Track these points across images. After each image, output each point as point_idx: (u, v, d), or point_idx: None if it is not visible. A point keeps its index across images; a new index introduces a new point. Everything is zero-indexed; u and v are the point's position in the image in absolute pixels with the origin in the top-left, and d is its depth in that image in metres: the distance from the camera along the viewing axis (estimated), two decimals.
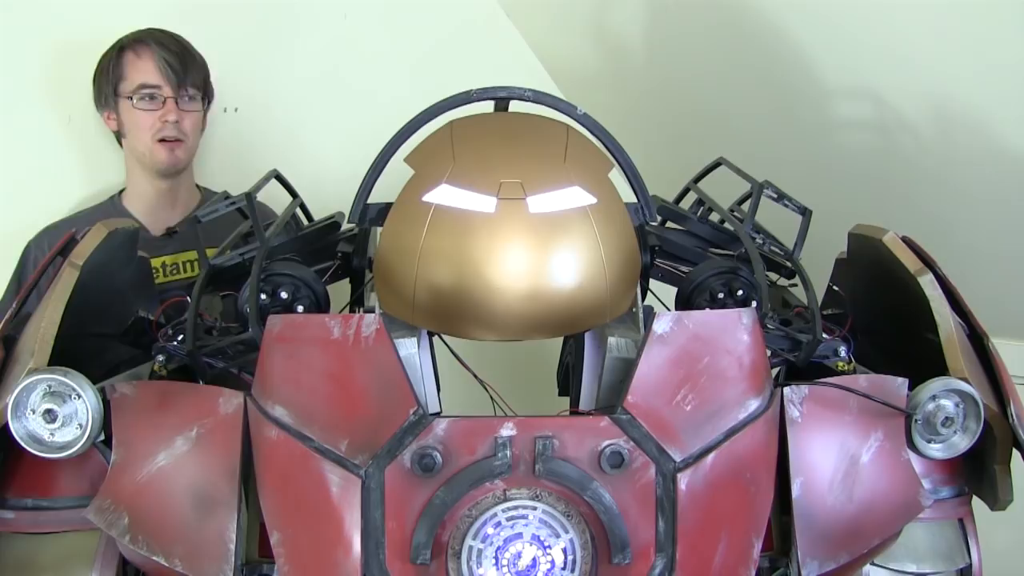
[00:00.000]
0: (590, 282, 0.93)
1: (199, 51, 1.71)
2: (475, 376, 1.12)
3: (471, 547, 0.87)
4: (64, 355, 0.97)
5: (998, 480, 1.05)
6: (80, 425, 0.94)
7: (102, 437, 0.96)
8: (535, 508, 0.88)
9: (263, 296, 1.04)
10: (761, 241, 1.18)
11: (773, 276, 1.24)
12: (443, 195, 0.93)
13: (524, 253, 0.91)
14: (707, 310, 1.06)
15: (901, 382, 1.00)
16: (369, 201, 1.04)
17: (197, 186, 1.81)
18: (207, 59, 1.79)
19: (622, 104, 2.10)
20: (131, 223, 1.22)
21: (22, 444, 0.93)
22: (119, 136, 1.71)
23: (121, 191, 1.74)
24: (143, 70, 1.61)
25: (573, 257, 0.92)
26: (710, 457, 0.90)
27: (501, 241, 0.91)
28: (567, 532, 0.88)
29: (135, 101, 1.61)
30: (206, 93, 1.70)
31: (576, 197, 0.93)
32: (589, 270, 0.93)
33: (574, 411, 1.05)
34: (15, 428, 0.93)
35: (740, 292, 1.08)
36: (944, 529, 1.09)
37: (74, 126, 1.80)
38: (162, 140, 1.63)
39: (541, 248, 0.91)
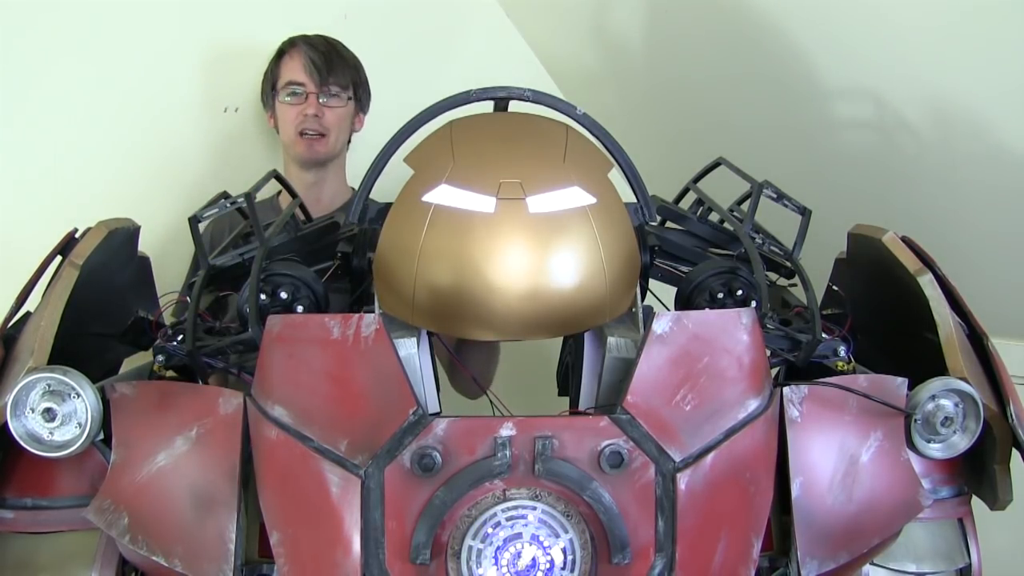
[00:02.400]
0: (589, 282, 0.93)
1: (349, 52, 1.81)
2: (473, 378, 1.12)
3: (471, 547, 0.87)
4: (64, 355, 0.97)
5: (998, 480, 1.05)
6: (79, 424, 0.94)
7: (101, 436, 0.96)
8: (535, 508, 0.88)
9: (263, 296, 1.04)
10: (761, 241, 1.18)
11: (773, 276, 1.24)
12: (443, 195, 0.93)
13: (524, 253, 0.91)
14: (707, 310, 1.05)
15: (900, 382, 1.00)
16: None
17: (352, 188, 1.86)
18: (202, 59, 1.79)
19: (622, 104, 2.11)
20: (131, 222, 1.22)
21: (21, 443, 0.93)
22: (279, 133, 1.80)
23: (279, 191, 1.79)
24: (292, 68, 1.73)
25: (572, 257, 0.92)
26: (710, 457, 0.90)
27: (501, 241, 0.91)
28: (567, 532, 0.88)
29: (281, 96, 1.73)
30: (356, 93, 1.78)
31: (575, 197, 0.93)
32: (588, 270, 0.93)
33: (574, 411, 1.05)
34: (14, 427, 0.93)
35: (740, 292, 1.08)
36: (944, 529, 1.09)
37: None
38: (302, 133, 1.72)
39: (541, 248, 0.91)
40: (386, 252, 0.96)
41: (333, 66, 1.73)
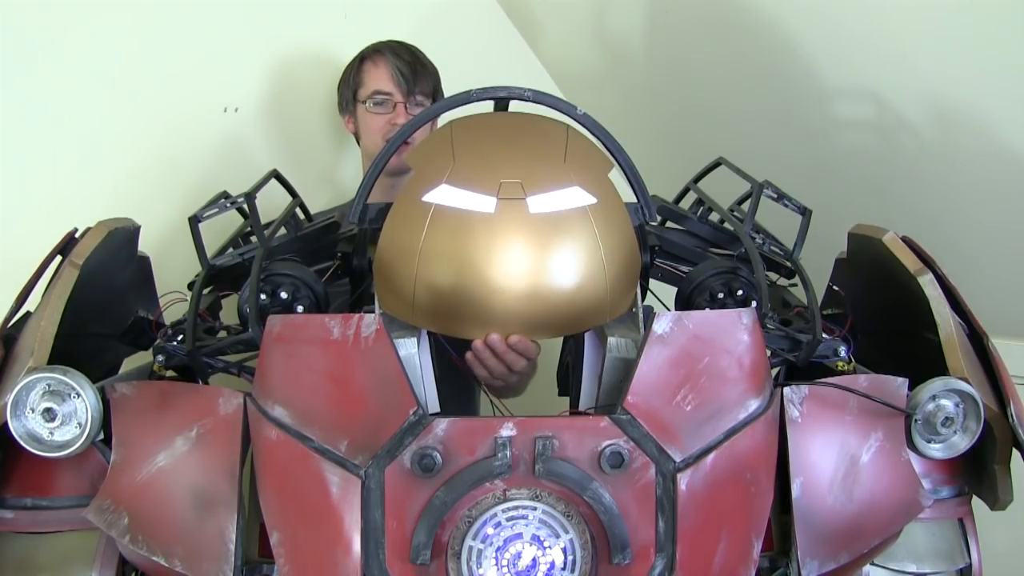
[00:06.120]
0: (590, 282, 0.93)
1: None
2: (473, 378, 1.12)
3: (471, 547, 0.87)
4: (64, 355, 0.97)
5: (998, 480, 1.05)
6: (79, 424, 0.94)
7: (101, 436, 0.96)
8: (535, 508, 0.88)
9: (263, 296, 1.04)
10: (761, 241, 1.18)
11: (773, 276, 1.24)
12: (443, 195, 0.92)
13: (524, 253, 0.91)
14: (707, 310, 1.06)
15: (901, 382, 1.00)
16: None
17: None
18: (206, 58, 1.79)
19: (622, 104, 2.11)
20: (131, 222, 1.22)
21: (21, 443, 0.93)
22: (357, 138, 1.83)
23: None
24: (378, 78, 1.75)
25: (573, 257, 0.92)
26: (710, 457, 0.90)
27: (501, 241, 0.91)
28: (567, 532, 0.88)
29: (369, 105, 1.74)
30: (435, 100, 1.79)
31: (576, 197, 0.93)
32: (589, 270, 0.93)
33: (574, 411, 1.05)
34: (14, 427, 0.93)
35: (740, 292, 1.08)
36: (944, 529, 1.09)
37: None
38: (388, 141, 1.71)
39: (541, 248, 0.91)
40: (386, 252, 0.96)
41: (418, 75, 1.76)
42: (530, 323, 0.93)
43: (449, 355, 1.05)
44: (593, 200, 0.94)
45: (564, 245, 0.92)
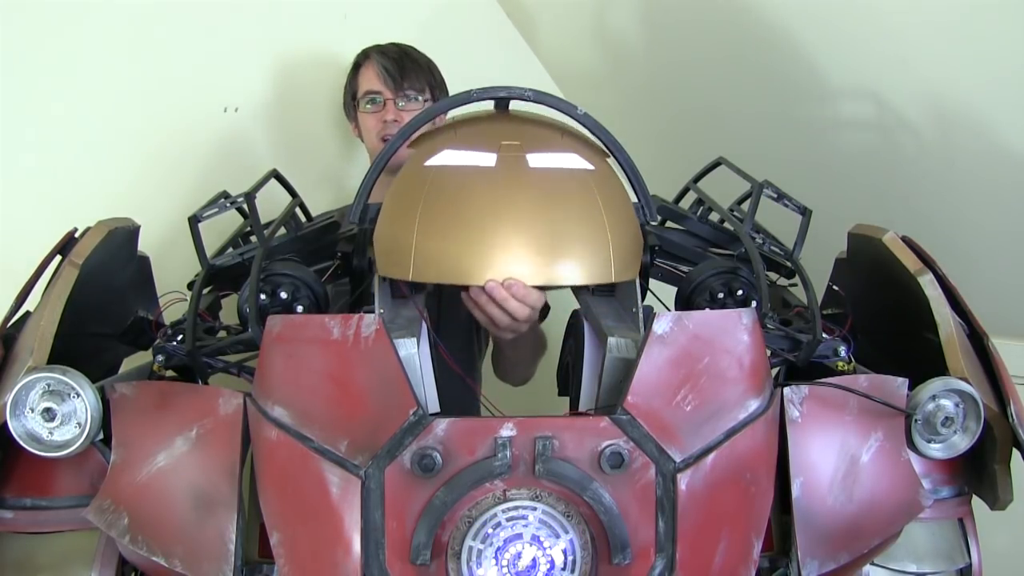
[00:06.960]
0: (590, 233, 0.95)
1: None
2: (464, 378, 1.11)
3: (471, 547, 0.87)
4: (63, 354, 0.97)
5: (998, 480, 1.05)
6: (79, 424, 0.94)
7: (101, 436, 0.96)
8: (535, 508, 0.88)
9: (263, 296, 1.04)
10: (761, 241, 1.18)
11: (773, 276, 1.24)
12: (445, 158, 0.95)
13: (525, 201, 0.94)
14: (707, 310, 1.06)
15: (901, 382, 1.00)
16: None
17: None
18: (206, 58, 1.79)
19: (622, 104, 2.11)
20: (131, 222, 1.22)
21: (21, 443, 0.93)
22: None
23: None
24: (368, 78, 1.77)
25: (574, 208, 0.95)
26: (710, 457, 0.90)
27: (501, 190, 0.93)
28: (567, 532, 0.88)
29: (362, 106, 1.77)
30: (434, 95, 1.80)
31: (574, 161, 0.96)
32: (589, 223, 0.95)
33: (574, 411, 1.05)
34: (14, 427, 0.93)
35: (740, 292, 1.08)
36: (944, 529, 1.09)
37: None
38: (384, 139, 1.75)
39: (542, 198, 0.94)
40: (387, 215, 0.98)
41: (406, 71, 1.76)
42: (531, 271, 0.93)
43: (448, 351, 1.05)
44: (591, 167, 0.96)
45: (564, 197, 0.95)
